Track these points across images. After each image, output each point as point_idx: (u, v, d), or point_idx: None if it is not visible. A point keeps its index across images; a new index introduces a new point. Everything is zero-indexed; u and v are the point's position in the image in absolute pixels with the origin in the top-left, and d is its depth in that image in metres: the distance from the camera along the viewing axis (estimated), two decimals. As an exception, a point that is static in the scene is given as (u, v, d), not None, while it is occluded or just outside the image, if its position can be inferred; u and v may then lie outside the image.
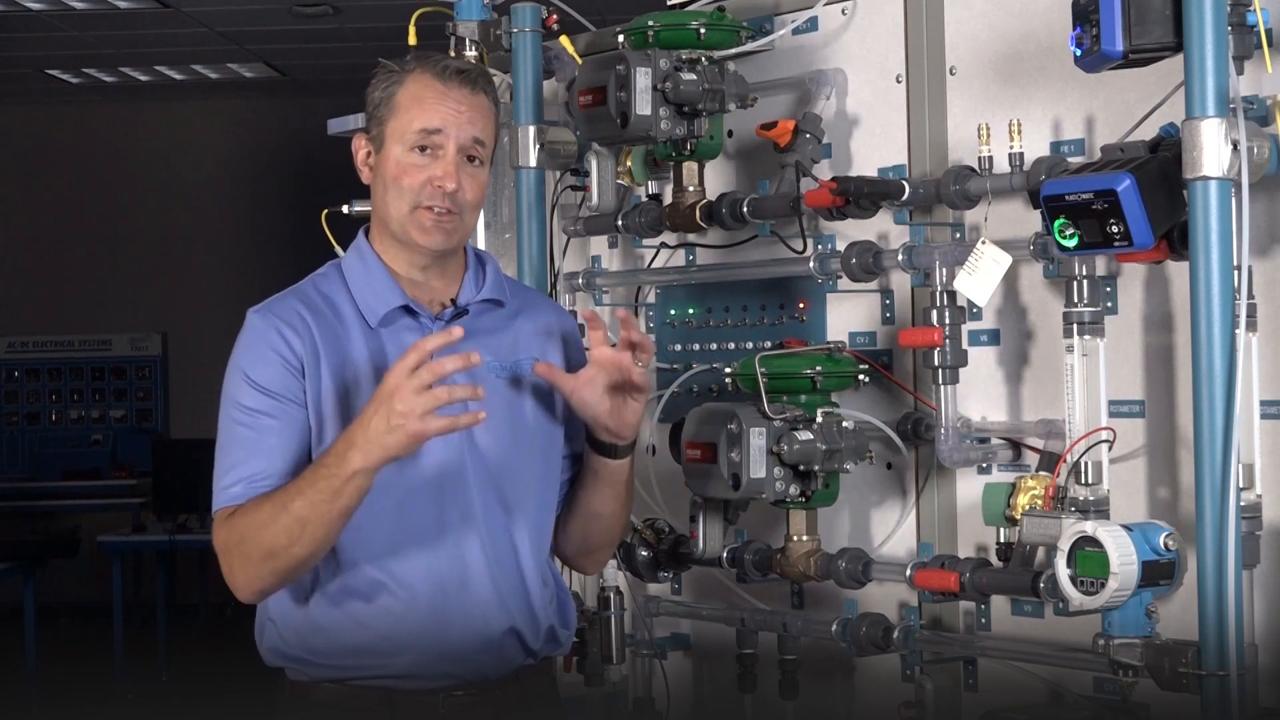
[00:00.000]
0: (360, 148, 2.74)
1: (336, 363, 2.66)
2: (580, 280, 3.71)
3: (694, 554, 3.30)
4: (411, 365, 2.46)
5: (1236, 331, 2.48)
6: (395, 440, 2.47)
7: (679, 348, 3.64)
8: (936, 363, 2.96)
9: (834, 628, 3.17)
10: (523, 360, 2.75)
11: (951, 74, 3.14)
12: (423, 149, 2.66)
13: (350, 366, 2.66)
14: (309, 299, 2.71)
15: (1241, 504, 2.51)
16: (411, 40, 3.70)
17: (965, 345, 2.97)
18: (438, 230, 2.66)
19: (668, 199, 3.47)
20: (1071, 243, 2.63)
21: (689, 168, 3.38)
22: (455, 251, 2.74)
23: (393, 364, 2.51)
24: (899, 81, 3.21)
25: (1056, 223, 2.64)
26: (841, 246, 3.19)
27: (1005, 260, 2.88)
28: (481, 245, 3.63)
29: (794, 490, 3.07)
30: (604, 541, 2.92)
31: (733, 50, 3.32)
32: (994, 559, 2.92)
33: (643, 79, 3.18)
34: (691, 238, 3.58)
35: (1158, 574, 2.56)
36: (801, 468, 3.04)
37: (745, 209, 3.29)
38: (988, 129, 2.94)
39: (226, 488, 2.63)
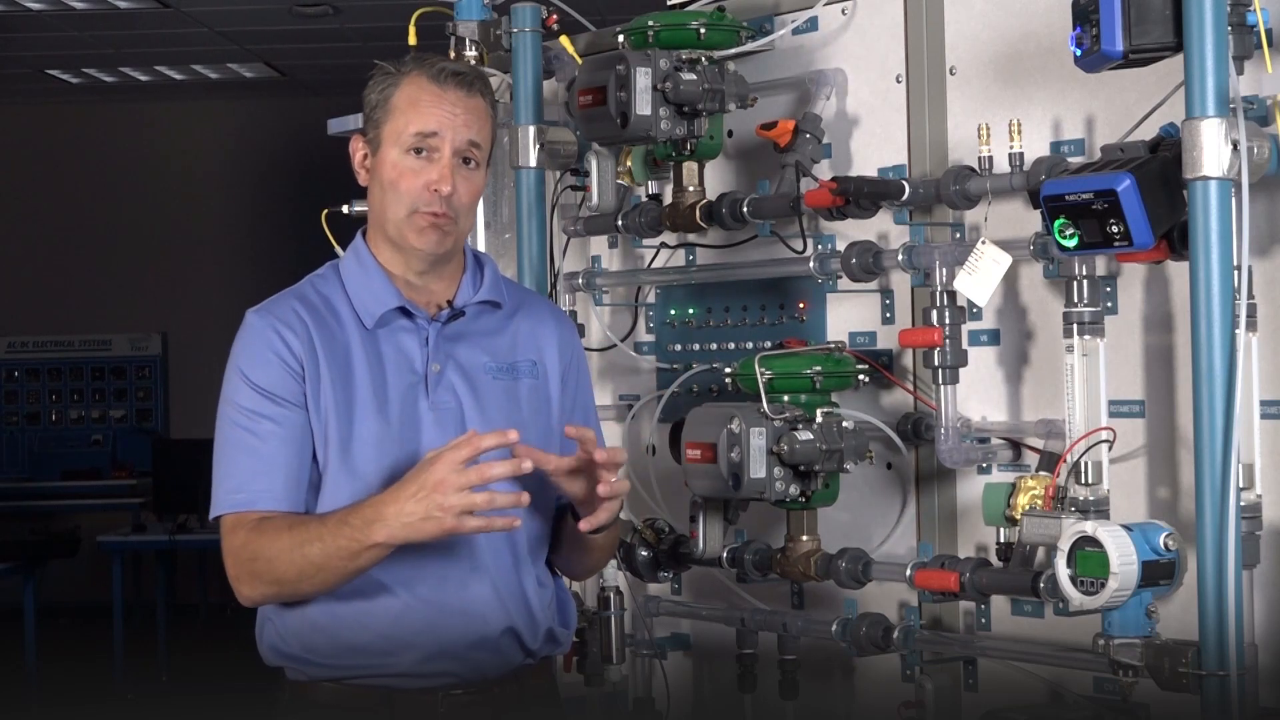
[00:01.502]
0: (357, 150, 2.74)
1: (335, 363, 2.66)
2: (580, 280, 3.71)
3: (694, 554, 3.29)
4: (463, 459, 2.46)
5: (1236, 331, 2.48)
6: (429, 529, 2.49)
7: (679, 348, 3.64)
8: (936, 363, 2.96)
9: (834, 628, 3.17)
10: (520, 362, 2.75)
11: (951, 74, 3.14)
12: (418, 152, 2.66)
13: (348, 368, 2.66)
14: (307, 299, 2.71)
15: (1241, 504, 2.51)
16: (411, 40, 3.70)
17: (965, 345, 2.97)
18: (433, 232, 2.66)
19: (668, 199, 3.47)
20: (1071, 243, 2.63)
21: (689, 168, 3.38)
22: (452, 255, 2.74)
23: (439, 450, 2.50)
24: (899, 81, 3.21)
25: (1056, 223, 2.64)
26: (841, 246, 3.19)
27: (1005, 260, 2.88)
28: (481, 245, 3.63)
29: (794, 490, 3.07)
30: (585, 573, 2.96)
31: (733, 50, 3.32)
32: (994, 559, 2.92)
33: (643, 79, 3.18)
34: (691, 238, 3.58)
35: (1158, 574, 2.55)
36: (801, 468, 3.04)
37: (745, 209, 3.29)
38: (988, 129, 2.94)
39: (230, 493, 2.64)
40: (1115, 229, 2.56)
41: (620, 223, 3.54)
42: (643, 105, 3.19)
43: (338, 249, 3.05)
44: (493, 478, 2.48)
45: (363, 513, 2.53)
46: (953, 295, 2.94)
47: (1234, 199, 2.49)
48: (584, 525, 2.64)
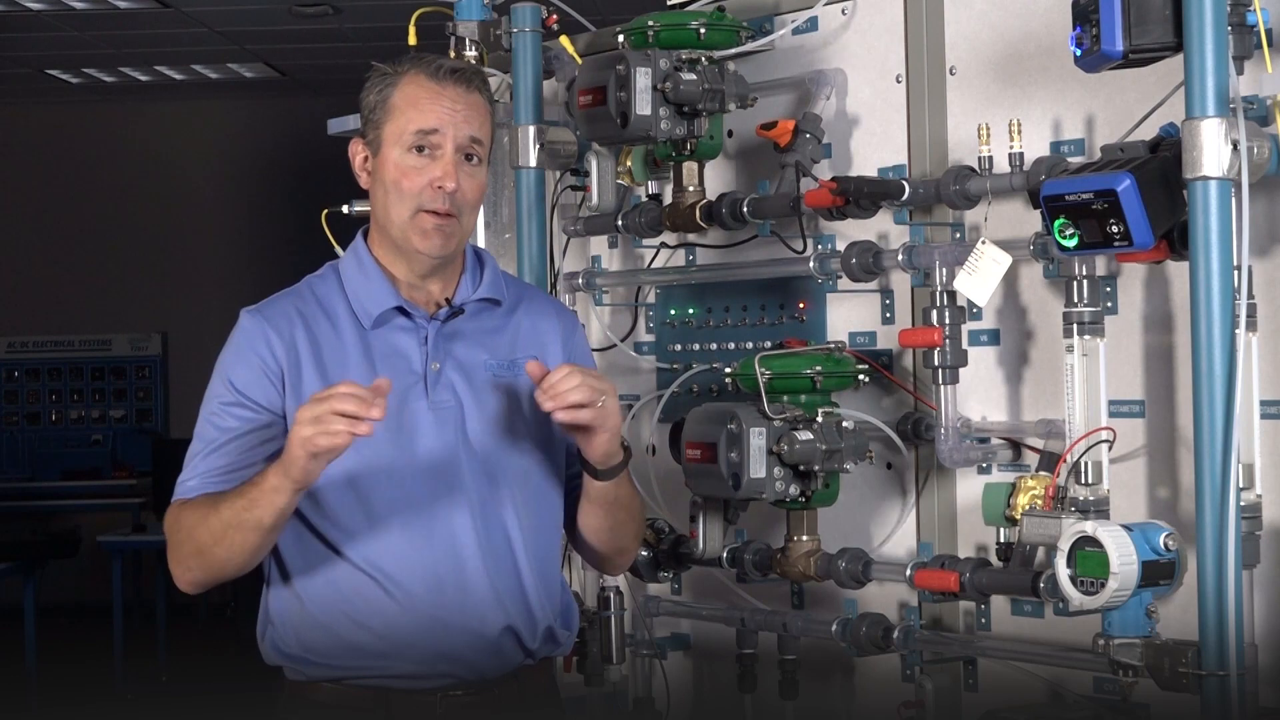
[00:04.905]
0: (357, 153, 2.74)
1: (325, 366, 2.66)
2: (580, 280, 3.71)
3: (694, 554, 3.30)
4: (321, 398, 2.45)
5: (1236, 331, 2.48)
6: (315, 444, 2.44)
7: (679, 348, 3.64)
8: (936, 363, 2.96)
9: (834, 628, 3.17)
10: (520, 359, 2.75)
11: (951, 74, 3.14)
12: (420, 150, 2.66)
13: (343, 369, 2.66)
14: (303, 301, 2.72)
15: (1241, 504, 2.51)
16: (411, 40, 3.70)
17: (965, 345, 2.97)
18: (437, 234, 2.66)
19: (668, 199, 3.47)
20: (1071, 243, 2.63)
21: (689, 168, 3.38)
22: (454, 256, 2.73)
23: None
24: (899, 81, 3.21)
25: (1056, 223, 2.64)
26: (841, 246, 3.19)
27: (1005, 260, 2.88)
28: (481, 245, 3.63)
29: (794, 490, 3.07)
30: (613, 550, 2.88)
31: (733, 50, 3.32)
32: (994, 559, 2.92)
33: (643, 79, 3.18)
34: (691, 238, 3.58)
35: (1158, 574, 2.55)
36: (801, 468, 3.04)
37: (745, 209, 3.29)
38: (988, 129, 2.94)
39: (184, 481, 2.68)
40: (1115, 229, 2.56)
41: (620, 223, 3.54)
42: (643, 105, 3.19)
43: (338, 249, 3.05)
44: (339, 409, 2.41)
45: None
46: (953, 295, 2.95)
47: (1234, 199, 2.49)
48: (586, 454, 2.64)
